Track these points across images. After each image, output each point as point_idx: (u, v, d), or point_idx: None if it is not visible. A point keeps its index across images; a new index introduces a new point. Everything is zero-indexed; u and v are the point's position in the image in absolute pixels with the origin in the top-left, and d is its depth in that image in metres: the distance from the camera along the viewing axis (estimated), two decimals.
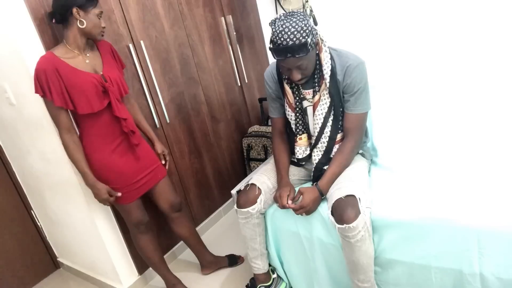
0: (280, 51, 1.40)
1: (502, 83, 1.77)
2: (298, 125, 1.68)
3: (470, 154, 1.62)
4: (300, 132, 1.69)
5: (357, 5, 2.25)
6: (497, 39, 1.91)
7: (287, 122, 1.74)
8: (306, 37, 1.37)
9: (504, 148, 1.59)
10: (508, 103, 1.71)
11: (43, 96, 1.53)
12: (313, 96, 1.59)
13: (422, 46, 2.10)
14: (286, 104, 1.68)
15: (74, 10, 1.49)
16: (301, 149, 1.70)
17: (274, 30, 1.40)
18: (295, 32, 1.36)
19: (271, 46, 1.43)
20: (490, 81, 1.79)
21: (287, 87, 1.65)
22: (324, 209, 1.53)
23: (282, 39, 1.37)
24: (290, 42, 1.36)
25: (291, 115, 1.69)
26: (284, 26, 1.37)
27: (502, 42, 1.90)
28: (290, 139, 1.75)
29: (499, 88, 1.76)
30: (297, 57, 1.40)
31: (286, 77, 1.62)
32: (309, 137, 1.69)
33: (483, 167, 1.53)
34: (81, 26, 1.53)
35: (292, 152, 1.75)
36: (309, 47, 1.39)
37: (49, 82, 1.49)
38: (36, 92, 1.53)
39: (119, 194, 1.68)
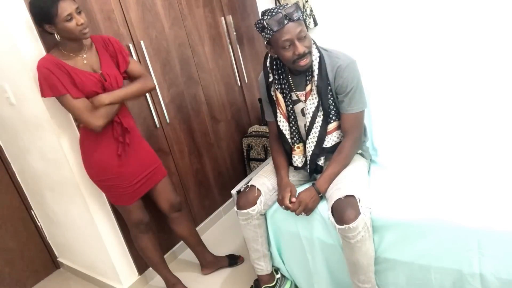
0: (278, 19, 1.44)
1: (502, 82, 1.76)
2: (294, 133, 1.68)
3: (470, 154, 1.62)
4: (297, 141, 1.69)
5: (357, 5, 2.24)
6: (496, 38, 1.91)
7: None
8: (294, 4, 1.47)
9: (504, 148, 1.59)
10: (508, 103, 1.71)
11: (56, 95, 1.50)
12: (306, 86, 1.59)
13: (422, 46, 2.10)
14: (279, 113, 1.68)
15: (47, 27, 1.47)
16: (299, 158, 1.70)
17: (265, 15, 1.47)
18: (283, 4, 1.45)
19: (267, 25, 1.46)
20: (490, 81, 1.79)
21: (279, 96, 1.65)
22: (324, 209, 1.53)
23: (274, 11, 1.45)
24: (284, 6, 1.44)
25: (285, 125, 1.68)
26: (271, 7, 1.48)
27: (501, 41, 1.90)
28: (284, 145, 1.74)
29: (498, 87, 1.76)
30: (295, 20, 1.44)
31: (276, 82, 1.63)
32: (305, 145, 1.69)
33: (483, 167, 1.53)
34: (58, 38, 1.51)
35: (289, 156, 1.74)
36: (301, 11, 1.47)
37: (59, 77, 1.48)
38: (46, 95, 1.50)
39: None
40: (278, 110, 1.68)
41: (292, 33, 1.44)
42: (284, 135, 1.70)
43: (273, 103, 1.70)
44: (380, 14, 2.19)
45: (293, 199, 1.56)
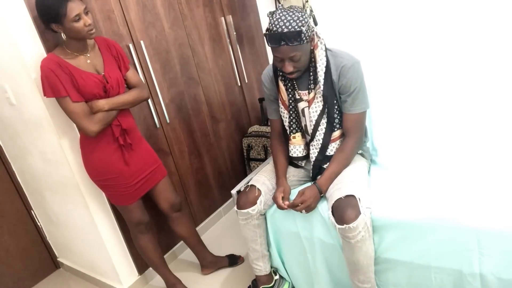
0: (275, 38, 1.41)
1: (502, 83, 1.76)
2: (292, 123, 1.68)
3: (470, 154, 1.62)
4: (294, 131, 1.68)
5: (357, 5, 2.25)
6: (496, 38, 1.91)
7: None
8: (301, 26, 1.39)
9: (504, 148, 1.59)
10: (508, 102, 1.71)
11: (57, 96, 1.50)
12: (308, 94, 1.59)
13: (422, 46, 2.10)
14: (280, 102, 1.68)
15: (54, 26, 1.47)
16: (295, 147, 1.70)
17: (271, 18, 1.44)
18: (291, 21, 1.39)
19: (267, 33, 1.45)
20: (490, 81, 1.79)
21: (281, 85, 1.64)
22: (324, 209, 1.53)
23: (277, 26, 1.40)
24: (285, 30, 1.39)
25: (285, 114, 1.68)
26: (281, 15, 1.42)
27: (501, 41, 1.90)
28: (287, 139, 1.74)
29: (498, 87, 1.76)
30: (291, 45, 1.41)
31: (281, 74, 1.62)
32: (303, 136, 1.69)
33: (483, 167, 1.53)
34: (64, 38, 1.52)
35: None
36: (304, 37, 1.41)
37: (61, 79, 1.48)
38: (47, 95, 1.51)
39: None
40: (279, 98, 1.67)
41: (285, 54, 1.44)
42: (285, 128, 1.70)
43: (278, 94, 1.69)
44: (380, 14, 2.19)
45: (286, 202, 1.56)
